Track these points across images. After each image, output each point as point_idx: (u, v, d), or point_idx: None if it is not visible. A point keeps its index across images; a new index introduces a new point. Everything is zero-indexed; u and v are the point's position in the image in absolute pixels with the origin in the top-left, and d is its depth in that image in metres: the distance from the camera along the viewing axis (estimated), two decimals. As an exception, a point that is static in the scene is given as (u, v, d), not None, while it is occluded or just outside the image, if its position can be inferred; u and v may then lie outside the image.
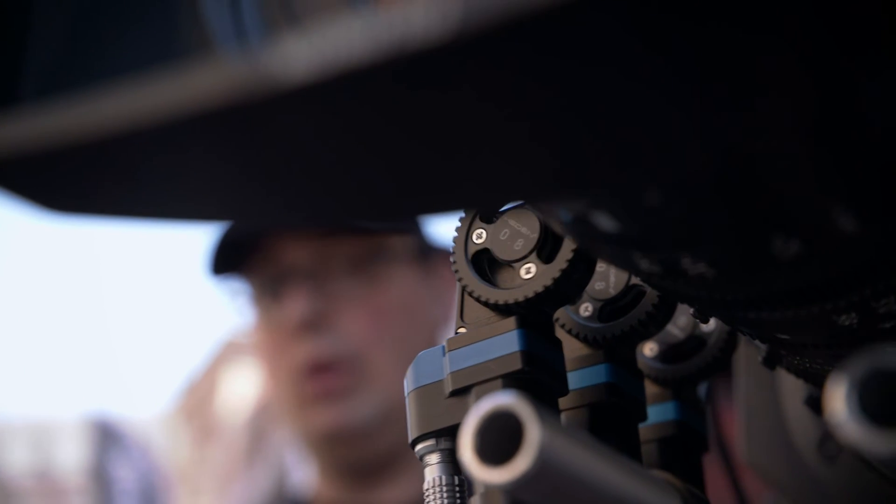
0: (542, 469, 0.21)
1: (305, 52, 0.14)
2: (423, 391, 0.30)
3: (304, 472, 1.22)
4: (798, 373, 0.32)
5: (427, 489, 0.30)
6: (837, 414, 0.19)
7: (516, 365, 0.28)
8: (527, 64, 0.14)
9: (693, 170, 0.20)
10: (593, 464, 0.23)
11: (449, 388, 0.29)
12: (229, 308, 1.03)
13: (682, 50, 0.16)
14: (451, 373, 0.29)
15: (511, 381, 0.28)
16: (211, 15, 0.20)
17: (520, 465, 0.21)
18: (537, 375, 0.29)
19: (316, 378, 0.96)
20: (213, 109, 0.15)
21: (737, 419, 0.43)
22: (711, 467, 0.50)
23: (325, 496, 1.02)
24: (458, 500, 0.29)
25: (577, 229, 0.25)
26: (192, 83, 0.15)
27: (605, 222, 0.23)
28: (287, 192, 0.18)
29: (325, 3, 0.21)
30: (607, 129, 0.17)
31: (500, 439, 0.22)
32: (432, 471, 0.30)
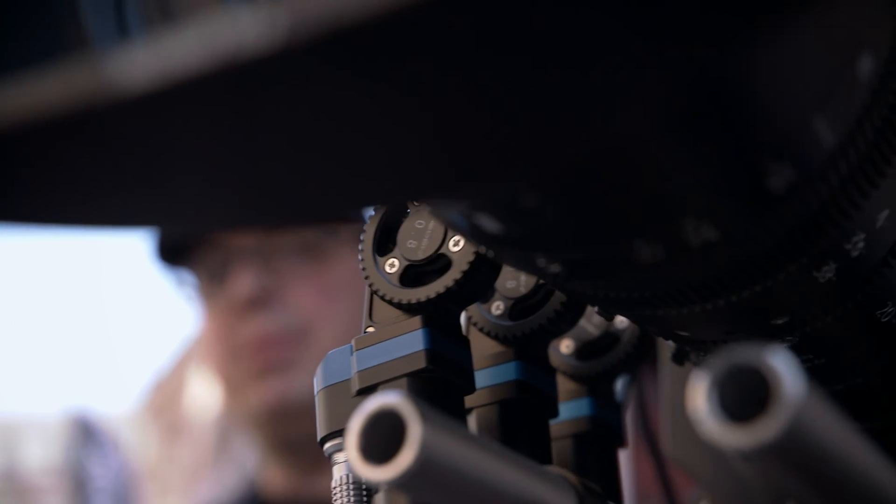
0: (425, 466, 0.22)
1: (145, 59, 0.14)
2: (331, 390, 0.30)
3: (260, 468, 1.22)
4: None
5: (334, 487, 0.30)
6: (698, 410, 0.19)
7: (420, 364, 0.29)
8: (367, 68, 0.15)
9: (561, 170, 0.20)
10: (479, 461, 0.24)
11: (356, 386, 0.29)
12: (181, 301, 1.04)
13: (537, 49, 0.16)
14: (358, 371, 0.29)
15: (416, 379, 0.29)
16: (90, 13, 0.21)
17: (402, 462, 0.22)
18: (442, 374, 0.29)
19: (260, 352, 0.95)
20: (58, 115, 0.15)
21: (661, 414, 0.43)
22: (642, 461, 0.50)
23: (273, 485, 1.01)
24: (364, 499, 0.30)
25: (469, 232, 0.25)
26: (42, 87, 0.15)
27: (489, 224, 0.23)
28: (159, 199, 0.19)
29: (200, 1, 0.21)
30: (464, 131, 0.17)
31: (386, 438, 0.22)
32: (339, 469, 0.30)
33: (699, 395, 0.19)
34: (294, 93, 0.15)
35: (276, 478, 1.01)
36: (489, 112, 0.17)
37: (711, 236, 0.22)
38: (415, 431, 0.22)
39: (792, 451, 0.20)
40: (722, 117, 0.20)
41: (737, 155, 0.21)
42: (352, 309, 0.95)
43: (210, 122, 0.15)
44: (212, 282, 0.99)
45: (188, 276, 1.01)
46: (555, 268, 0.24)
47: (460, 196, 0.22)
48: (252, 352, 0.96)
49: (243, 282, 0.96)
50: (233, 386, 0.99)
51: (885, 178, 0.24)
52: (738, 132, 0.21)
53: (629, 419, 0.44)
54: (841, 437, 0.21)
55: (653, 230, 0.22)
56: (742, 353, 0.19)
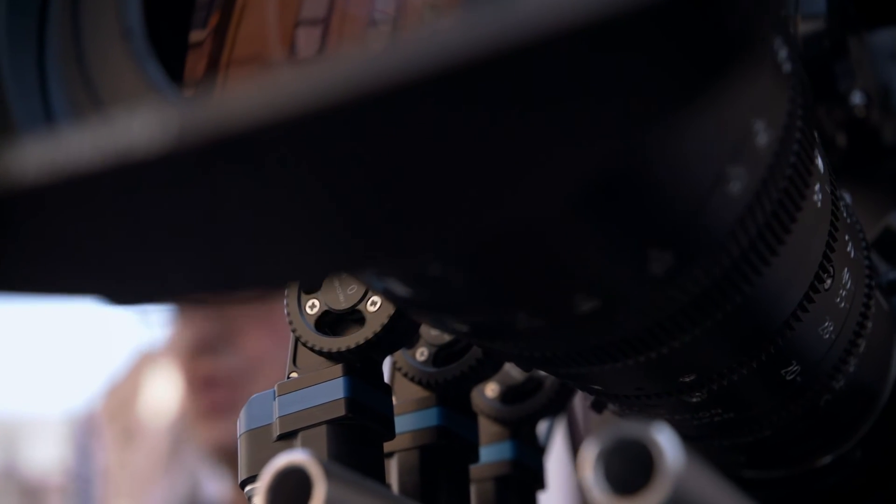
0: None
1: (38, 156, 0.15)
2: (253, 434, 0.31)
3: (215, 482, 1.23)
4: (622, 418, 0.34)
5: (252, 530, 0.31)
6: (586, 480, 0.20)
7: (340, 412, 0.29)
8: (255, 172, 0.15)
9: (464, 243, 0.21)
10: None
11: (277, 432, 0.30)
12: (139, 322, 1.04)
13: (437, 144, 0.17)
14: (280, 417, 0.30)
15: (335, 426, 0.29)
16: (15, 98, 0.21)
17: (307, 520, 0.22)
18: (361, 421, 0.30)
19: (204, 393, 0.97)
20: None
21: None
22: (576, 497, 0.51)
23: (239, 500, 1.03)
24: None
25: (383, 294, 0.26)
26: None
27: (399, 289, 0.24)
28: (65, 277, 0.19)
29: (128, 89, 0.22)
30: (365, 214, 0.18)
31: (295, 494, 0.23)
32: (258, 512, 0.31)
33: (587, 466, 0.20)
34: (183, 193, 0.15)
35: (240, 499, 1.02)
36: (387, 200, 0.17)
37: (596, 311, 0.23)
38: (320, 490, 0.22)
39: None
40: (613, 206, 0.21)
41: (621, 240, 0.22)
42: None
43: (100, 217, 0.16)
44: (174, 312, 1.00)
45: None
46: (461, 327, 0.25)
47: (365, 271, 0.22)
48: (200, 392, 0.97)
49: (194, 324, 0.97)
50: (191, 420, 1.01)
51: (778, 256, 0.25)
52: (625, 219, 0.22)
53: (559, 458, 0.45)
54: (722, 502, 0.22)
55: (536, 304, 0.23)
56: (627, 428, 0.20)
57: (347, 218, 0.18)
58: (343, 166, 0.16)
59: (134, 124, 0.15)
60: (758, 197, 0.24)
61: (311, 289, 0.32)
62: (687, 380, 0.29)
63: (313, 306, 0.31)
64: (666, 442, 0.20)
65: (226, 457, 0.99)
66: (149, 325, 1.04)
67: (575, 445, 0.48)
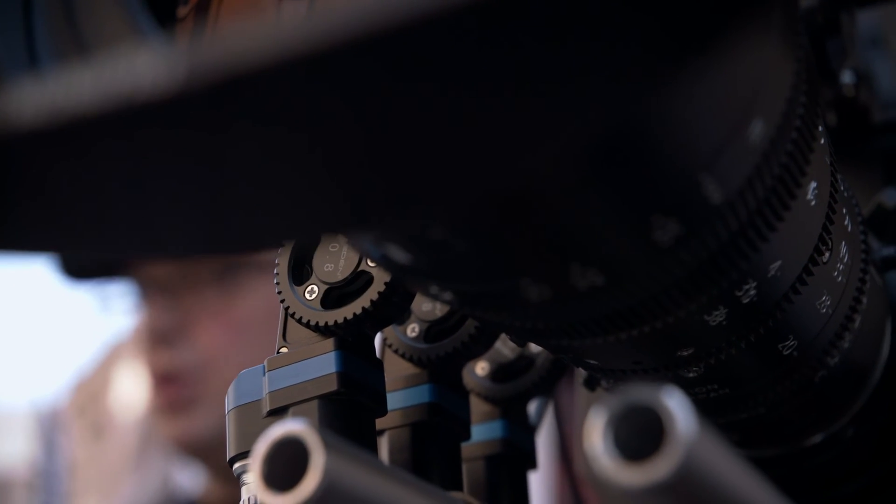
0: (328, 495, 0.22)
1: (38, 97, 0.14)
2: (242, 410, 0.30)
3: (188, 474, 1.22)
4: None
5: (242, 507, 0.30)
6: (594, 448, 0.20)
7: (332, 386, 0.29)
8: (264, 112, 0.15)
9: (469, 206, 0.21)
10: (383, 489, 0.24)
11: (267, 407, 0.29)
12: (100, 313, 1.03)
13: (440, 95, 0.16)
14: (270, 392, 0.29)
15: (327, 401, 0.29)
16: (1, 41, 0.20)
17: (304, 490, 0.22)
18: (354, 396, 0.29)
19: (162, 389, 0.96)
20: None
21: (575, 435, 0.44)
22: (559, 480, 0.51)
23: (213, 494, 1.02)
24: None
25: (380, 261, 0.25)
26: None
27: (399, 255, 0.23)
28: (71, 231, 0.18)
29: (114, 33, 0.21)
30: (370, 169, 0.17)
31: (290, 465, 0.22)
32: (247, 490, 0.30)
33: (595, 434, 0.20)
34: (189, 137, 0.15)
35: (214, 488, 1.01)
36: (391, 153, 0.17)
37: (597, 282, 0.23)
38: (318, 460, 0.22)
39: (685, 490, 0.20)
40: (615, 171, 0.21)
41: (625, 207, 0.22)
42: (259, 345, 0.93)
43: (103, 161, 0.15)
44: (134, 301, 0.99)
45: (114, 290, 1.01)
46: (448, 296, 0.24)
47: (364, 231, 0.22)
48: (159, 387, 0.96)
49: (151, 316, 0.96)
50: (154, 414, 1.00)
51: (777, 231, 0.24)
52: (629, 186, 0.21)
53: (547, 439, 0.44)
54: (734, 474, 0.22)
55: (539, 271, 0.22)
56: (637, 393, 0.20)
57: (352, 172, 0.17)
58: (349, 115, 0.16)
59: (138, 64, 0.14)
60: (762, 164, 0.24)
61: (302, 278, 0.31)
62: (685, 354, 0.28)
63: (312, 291, 0.30)
64: (678, 408, 0.19)
65: (191, 451, 0.98)
66: (112, 313, 1.03)
67: (561, 430, 0.48)
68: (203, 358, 0.95)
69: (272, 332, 0.30)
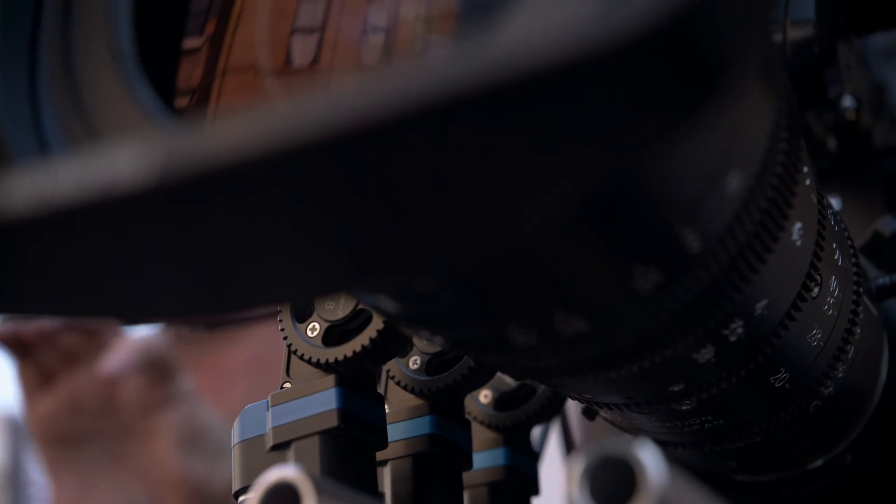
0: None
1: (26, 188, 0.15)
2: (246, 444, 0.31)
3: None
4: (613, 424, 0.34)
5: (247, 540, 0.31)
6: (572, 496, 0.21)
7: (333, 422, 0.30)
8: (243, 204, 0.16)
9: (455, 263, 0.21)
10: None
11: (270, 442, 0.30)
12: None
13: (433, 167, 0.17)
14: (273, 427, 0.30)
15: (328, 437, 0.30)
16: (7, 127, 0.21)
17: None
18: (354, 431, 0.30)
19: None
20: None
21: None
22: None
23: None
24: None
25: (374, 309, 0.26)
26: None
27: (388, 305, 0.24)
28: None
29: (120, 114, 0.22)
30: (354, 237, 0.18)
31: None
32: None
33: (573, 482, 0.21)
34: (170, 226, 0.15)
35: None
36: (379, 226, 0.18)
37: (582, 328, 0.23)
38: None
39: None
40: (598, 225, 0.21)
41: (607, 258, 0.22)
42: (251, 392, 0.87)
43: (93, 244, 0.16)
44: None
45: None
46: (439, 340, 0.25)
47: (362, 290, 0.23)
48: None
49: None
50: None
51: (759, 273, 0.25)
52: (610, 238, 0.22)
53: (558, 451, 0.45)
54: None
55: (525, 318, 0.23)
56: (611, 446, 0.20)
57: (340, 243, 0.18)
58: (333, 196, 0.16)
59: (119, 157, 0.15)
60: (742, 212, 0.24)
61: (303, 316, 0.32)
62: (676, 389, 0.29)
63: (313, 329, 0.31)
64: (650, 459, 0.20)
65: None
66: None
67: (569, 449, 0.49)
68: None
69: (265, 376, 0.31)
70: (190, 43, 0.25)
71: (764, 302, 0.27)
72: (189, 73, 0.24)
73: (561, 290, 0.23)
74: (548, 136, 0.17)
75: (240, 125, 0.15)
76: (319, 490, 0.23)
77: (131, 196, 0.15)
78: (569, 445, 0.48)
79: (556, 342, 0.25)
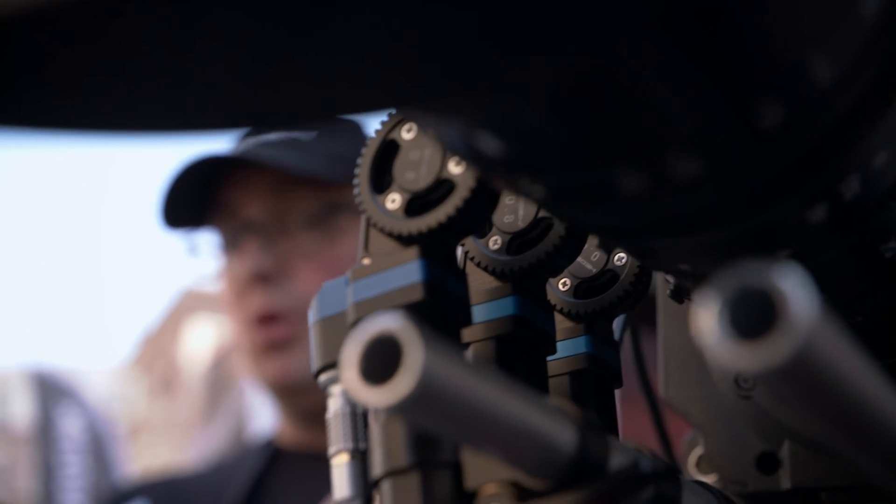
0: (426, 391, 0.21)
1: None
2: (326, 322, 0.30)
3: (266, 416, 1.25)
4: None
5: (330, 419, 0.30)
6: (709, 333, 0.19)
7: (417, 295, 0.28)
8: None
9: (551, 84, 0.20)
10: (480, 389, 0.23)
11: (351, 318, 0.29)
12: (189, 258, 1.05)
13: None
14: (354, 303, 0.29)
15: (412, 311, 0.28)
16: None
17: (401, 386, 0.21)
18: (439, 306, 0.28)
19: (263, 328, 0.98)
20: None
21: (658, 356, 0.43)
22: (636, 405, 0.50)
23: (288, 435, 1.03)
24: (361, 429, 0.29)
25: (470, 155, 0.24)
26: None
27: (491, 145, 0.22)
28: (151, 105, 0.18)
29: None
30: (453, 41, 0.17)
31: (382, 364, 0.22)
32: (335, 401, 0.30)
33: (709, 316, 0.19)
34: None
35: (291, 431, 1.03)
36: (478, 22, 0.16)
37: (696, 171, 0.22)
38: (417, 355, 0.21)
39: (804, 371, 0.19)
40: (716, 47, 0.20)
41: (728, 89, 0.21)
42: None
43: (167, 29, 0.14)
44: (225, 246, 1.02)
45: (204, 237, 1.03)
46: (538, 191, 0.23)
47: (446, 106, 0.21)
48: (255, 325, 0.98)
49: (250, 257, 0.98)
50: (246, 355, 1.01)
51: (884, 119, 0.23)
52: (731, 64, 0.20)
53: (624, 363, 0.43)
54: (852, 359, 0.21)
55: (637, 158, 0.22)
56: (752, 272, 0.19)
57: (441, 41, 0.16)
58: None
59: None
60: (868, 52, 0.22)
61: (382, 187, 0.30)
62: (782, 255, 0.27)
63: (394, 200, 0.29)
64: (796, 287, 0.18)
65: (283, 391, 1.00)
66: (197, 258, 1.04)
67: (639, 354, 0.47)
68: (301, 299, 0.97)
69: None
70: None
71: (883, 156, 0.25)
72: None
73: (677, 126, 0.22)
74: None
75: None
76: (427, 341, 0.21)
77: None
78: (637, 346, 0.46)
79: (668, 188, 0.23)
